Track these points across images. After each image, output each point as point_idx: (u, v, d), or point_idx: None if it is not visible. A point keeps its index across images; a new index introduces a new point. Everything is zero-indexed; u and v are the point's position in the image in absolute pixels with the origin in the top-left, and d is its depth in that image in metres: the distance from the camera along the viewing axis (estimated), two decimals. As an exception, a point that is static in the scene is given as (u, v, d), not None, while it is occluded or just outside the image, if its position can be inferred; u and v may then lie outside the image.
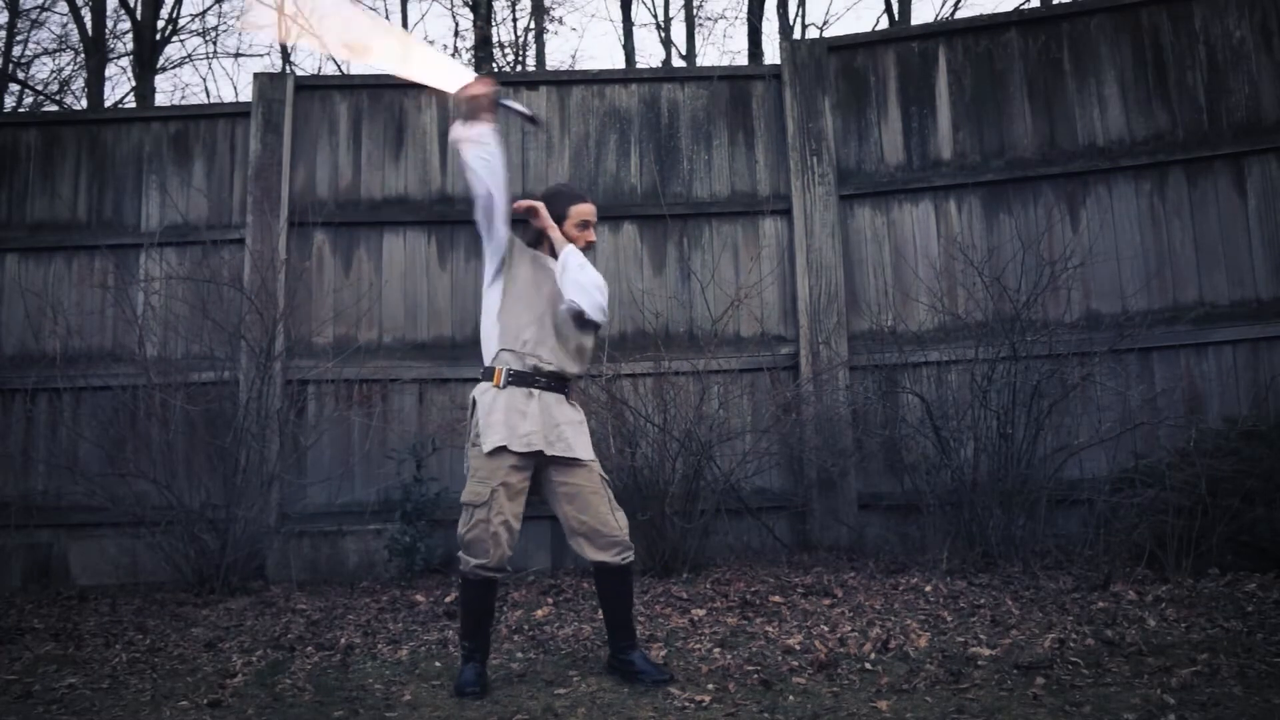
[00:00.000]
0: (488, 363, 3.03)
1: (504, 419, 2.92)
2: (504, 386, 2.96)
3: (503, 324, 3.01)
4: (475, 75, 3.02)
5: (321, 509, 5.27)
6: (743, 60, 15.60)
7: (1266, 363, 4.90)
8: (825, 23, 22.09)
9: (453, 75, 3.04)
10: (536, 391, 2.97)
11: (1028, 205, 5.36)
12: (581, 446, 3.01)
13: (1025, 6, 12.05)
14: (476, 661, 3.00)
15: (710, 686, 2.92)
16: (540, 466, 2.99)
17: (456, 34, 19.65)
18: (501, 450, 2.90)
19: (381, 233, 5.63)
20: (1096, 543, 4.15)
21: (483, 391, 2.99)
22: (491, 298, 3.08)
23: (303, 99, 5.73)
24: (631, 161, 5.72)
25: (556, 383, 3.03)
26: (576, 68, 15.76)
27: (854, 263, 5.51)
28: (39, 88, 15.13)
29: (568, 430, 2.99)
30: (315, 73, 17.32)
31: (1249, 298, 5.02)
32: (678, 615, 3.83)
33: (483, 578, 2.95)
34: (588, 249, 3.09)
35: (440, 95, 5.79)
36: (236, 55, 23.39)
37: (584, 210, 3.10)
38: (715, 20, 28.30)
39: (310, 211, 5.49)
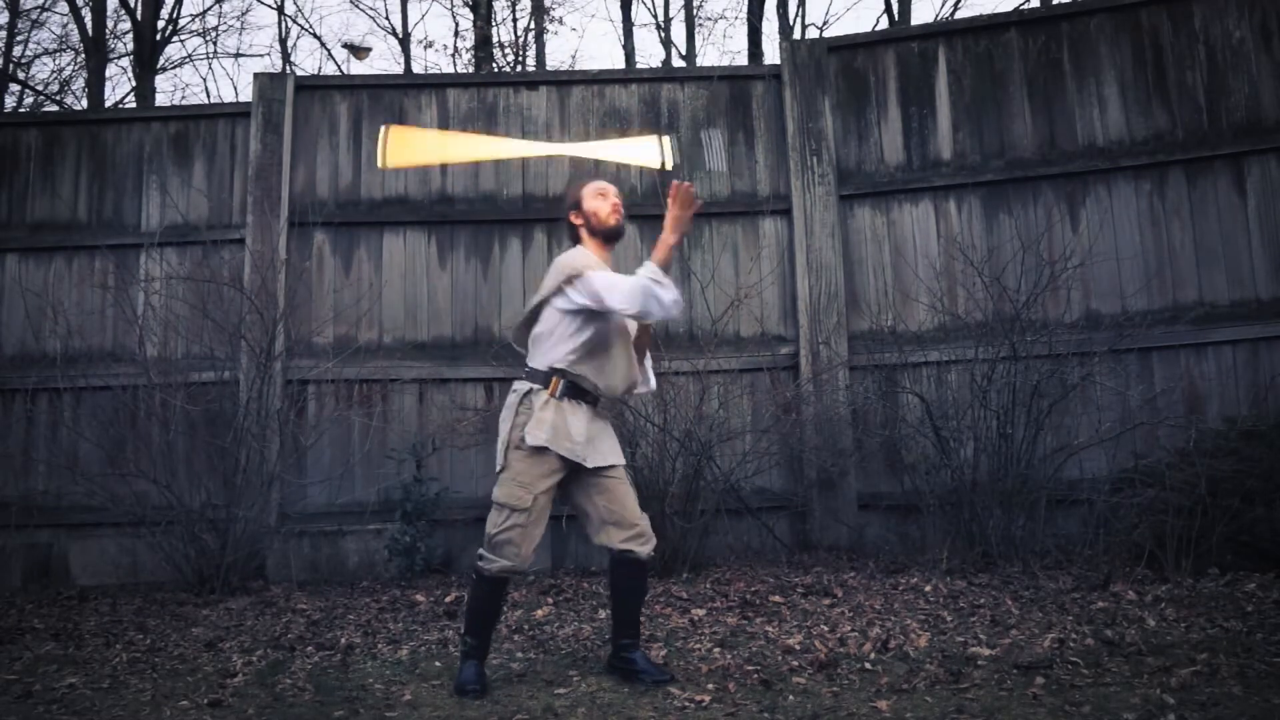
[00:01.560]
0: (540, 368, 3.00)
1: (554, 422, 2.93)
2: (560, 396, 2.97)
3: (575, 355, 2.97)
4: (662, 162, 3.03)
5: (321, 509, 5.27)
6: (743, 60, 15.60)
7: (1266, 363, 4.90)
8: (825, 23, 22.09)
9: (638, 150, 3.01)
10: (585, 405, 3.01)
11: (1028, 205, 5.36)
12: (614, 452, 3.07)
13: (1025, 6, 12.05)
14: (476, 660, 3.01)
15: (710, 686, 2.92)
16: (574, 470, 3.02)
17: (456, 34, 19.65)
18: (544, 452, 2.92)
19: (381, 233, 5.63)
20: (1096, 543, 4.15)
21: (538, 392, 2.97)
22: (566, 325, 2.98)
23: (303, 99, 5.73)
24: (631, 161, 5.72)
25: (596, 399, 3.07)
26: (576, 68, 15.76)
27: (854, 263, 5.51)
28: (39, 88, 15.15)
29: (603, 442, 3.05)
30: (315, 73, 17.33)
31: (1249, 298, 5.02)
32: (678, 615, 3.83)
33: (502, 576, 2.98)
34: (617, 212, 3.09)
35: (440, 95, 5.80)
36: (237, 55, 23.48)
37: (594, 185, 3.12)
38: (715, 20, 28.37)
39: (310, 211, 5.49)
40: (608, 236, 3.09)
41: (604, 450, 3.04)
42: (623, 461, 3.10)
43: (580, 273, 2.94)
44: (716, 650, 3.32)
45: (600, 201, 3.09)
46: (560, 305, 2.98)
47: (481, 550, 2.99)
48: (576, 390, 2.99)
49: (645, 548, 3.02)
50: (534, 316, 3.07)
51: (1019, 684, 2.81)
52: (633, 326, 3.13)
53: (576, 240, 3.13)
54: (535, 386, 2.99)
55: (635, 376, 3.13)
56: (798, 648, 3.29)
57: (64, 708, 2.97)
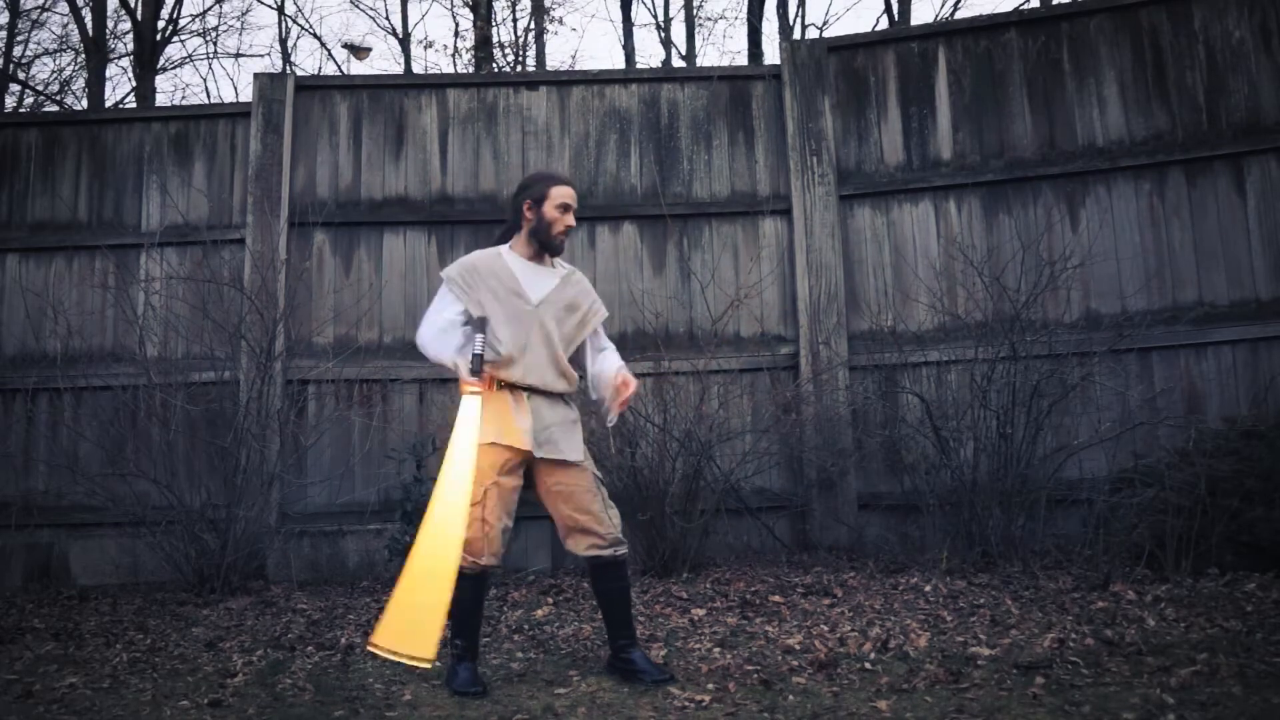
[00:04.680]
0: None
1: (495, 415, 2.96)
2: (499, 389, 3.00)
3: (488, 353, 3.00)
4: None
5: (322, 509, 5.28)
6: (743, 60, 15.61)
7: (1266, 363, 4.90)
8: (825, 23, 22.09)
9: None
10: (525, 394, 3.00)
11: (1027, 205, 5.37)
12: (570, 448, 3.03)
13: (1025, 6, 12.05)
14: (469, 661, 3.01)
15: (710, 686, 2.92)
16: (532, 468, 3.03)
17: (456, 34, 19.69)
18: (492, 446, 2.94)
19: (381, 233, 5.64)
20: (1096, 543, 4.15)
21: (481, 393, 3.01)
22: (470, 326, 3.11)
23: (303, 99, 5.73)
24: (631, 161, 5.72)
25: (544, 391, 3.05)
26: (576, 68, 15.77)
27: (854, 263, 5.52)
28: (39, 88, 15.16)
29: (556, 431, 3.02)
30: (315, 73, 17.34)
31: (1248, 298, 5.02)
32: (678, 615, 3.83)
33: (476, 571, 2.98)
34: (566, 233, 3.09)
35: (440, 95, 5.80)
36: (237, 55, 23.47)
37: (564, 193, 3.08)
38: (715, 20, 28.35)
39: (310, 211, 5.49)
40: (545, 246, 3.09)
41: (560, 444, 3.00)
42: (579, 458, 3.03)
43: (443, 278, 3.08)
44: (716, 650, 3.32)
45: (561, 215, 3.06)
46: None
47: None
48: (508, 384, 2.99)
49: (608, 552, 3.01)
50: None
51: (1019, 684, 2.81)
52: (560, 325, 3.06)
53: (515, 229, 3.12)
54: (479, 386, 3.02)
55: (559, 370, 3.04)
56: (798, 648, 3.29)
57: (64, 708, 2.97)
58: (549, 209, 3.06)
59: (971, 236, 5.36)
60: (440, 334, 3.04)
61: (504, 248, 3.14)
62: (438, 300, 3.08)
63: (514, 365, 2.99)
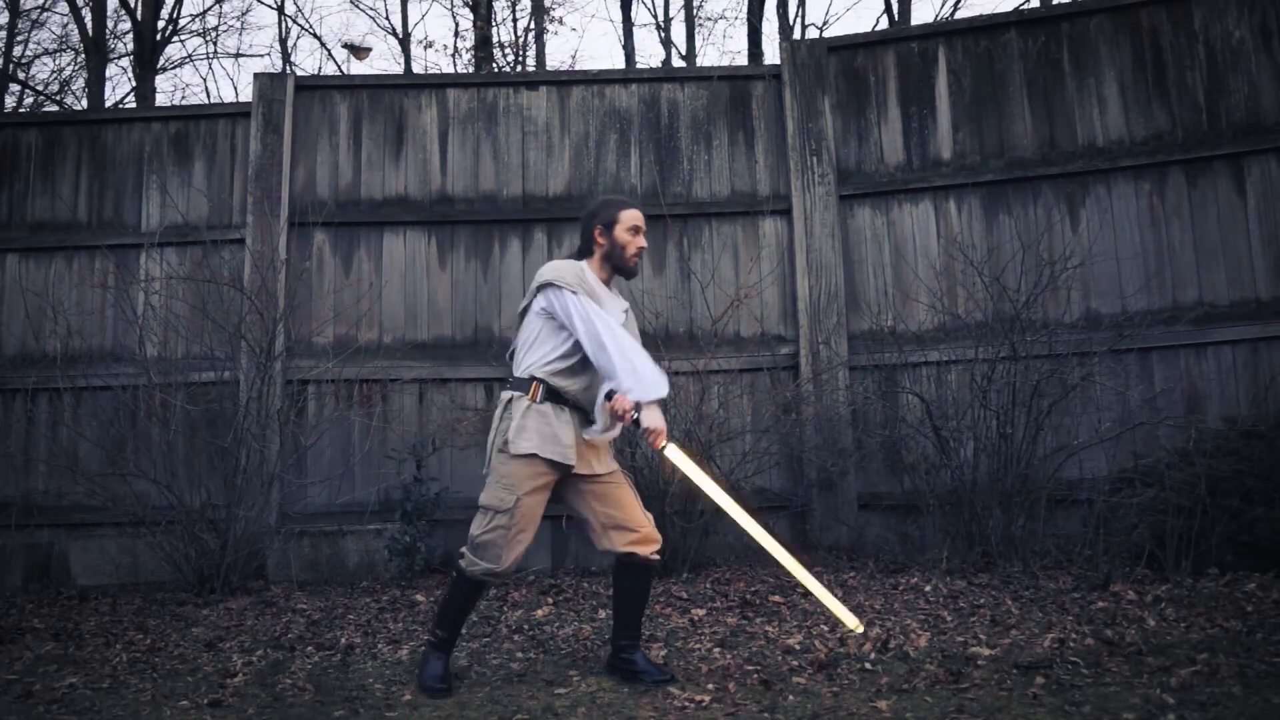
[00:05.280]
0: (520, 375, 3.01)
1: (538, 427, 2.93)
2: (541, 401, 2.96)
3: (555, 362, 2.97)
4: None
5: (322, 509, 5.28)
6: (743, 60, 15.62)
7: (1266, 363, 4.90)
8: (825, 23, 22.12)
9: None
10: (568, 409, 2.99)
11: (1027, 205, 5.36)
12: (602, 463, 3.04)
13: (1025, 6, 12.05)
14: (444, 654, 3.02)
15: (710, 686, 2.92)
16: (564, 476, 3.00)
17: (456, 34, 19.67)
18: (532, 457, 2.91)
19: (381, 233, 5.64)
20: (1096, 543, 4.15)
21: (518, 399, 2.98)
22: (547, 331, 3.01)
23: (303, 99, 5.74)
24: (631, 161, 5.72)
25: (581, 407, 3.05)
26: (576, 68, 15.77)
27: (854, 263, 5.52)
28: (39, 88, 15.16)
29: (594, 449, 3.03)
30: (315, 73, 17.34)
31: (1248, 298, 5.02)
32: (678, 615, 3.83)
33: (483, 578, 2.97)
34: (639, 255, 3.09)
35: (440, 95, 5.80)
36: (237, 55, 23.45)
37: (633, 215, 3.07)
38: (715, 20, 28.35)
39: (310, 211, 5.49)
40: (619, 269, 3.08)
41: (591, 457, 3.01)
42: (613, 468, 3.06)
43: (560, 286, 2.94)
44: (716, 650, 3.32)
45: (633, 238, 3.05)
46: (538, 307, 3.00)
47: (464, 550, 2.99)
48: (557, 396, 2.96)
49: (648, 549, 3.01)
50: (520, 324, 3.10)
51: (1019, 684, 2.81)
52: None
53: (586, 253, 3.09)
54: (516, 394, 2.98)
55: (595, 393, 3.04)
56: (798, 648, 3.29)
57: (64, 708, 2.97)
58: (620, 233, 3.04)
59: (971, 236, 5.36)
60: (632, 345, 2.90)
61: (584, 264, 3.08)
62: (589, 309, 2.90)
63: (577, 380, 2.98)
